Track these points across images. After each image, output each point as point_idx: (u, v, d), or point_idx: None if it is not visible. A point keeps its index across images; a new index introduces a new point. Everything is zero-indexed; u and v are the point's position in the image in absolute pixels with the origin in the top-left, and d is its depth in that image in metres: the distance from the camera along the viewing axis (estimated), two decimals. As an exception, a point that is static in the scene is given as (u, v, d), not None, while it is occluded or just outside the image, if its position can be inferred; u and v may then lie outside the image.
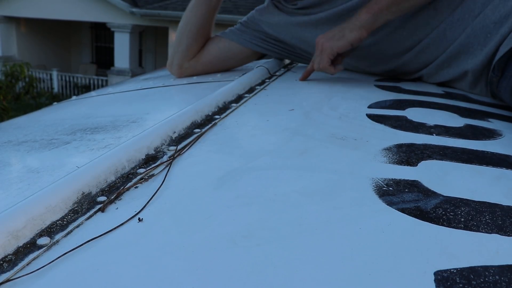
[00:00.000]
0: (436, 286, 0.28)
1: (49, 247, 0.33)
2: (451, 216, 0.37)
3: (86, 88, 10.95)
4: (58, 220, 0.37)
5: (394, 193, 0.41)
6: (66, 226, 0.36)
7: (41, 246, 0.33)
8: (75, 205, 0.39)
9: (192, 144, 0.54)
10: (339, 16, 1.00)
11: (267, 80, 0.96)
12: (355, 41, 0.90)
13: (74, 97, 1.22)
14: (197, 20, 1.09)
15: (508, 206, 0.39)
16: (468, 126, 0.64)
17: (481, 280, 0.29)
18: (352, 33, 0.90)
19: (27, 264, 0.31)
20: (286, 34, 1.09)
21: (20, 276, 0.30)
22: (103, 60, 13.07)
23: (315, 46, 1.09)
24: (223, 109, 0.71)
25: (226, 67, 1.16)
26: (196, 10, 1.09)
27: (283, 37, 1.10)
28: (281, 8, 1.09)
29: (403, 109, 0.72)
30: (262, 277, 0.29)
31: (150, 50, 12.88)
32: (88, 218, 0.37)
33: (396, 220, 0.36)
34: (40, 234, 0.35)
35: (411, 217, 0.37)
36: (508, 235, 0.34)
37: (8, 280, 0.30)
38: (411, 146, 0.54)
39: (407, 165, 0.48)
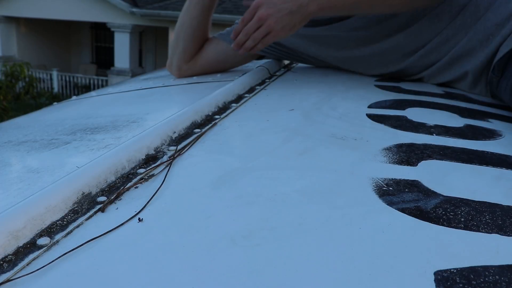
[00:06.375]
0: (436, 286, 0.28)
1: (49, 247, 0.33)
2: (451, 216, 0.37)
3: (86, 88, 10.96)
4: (58, 220, 0.37)
5: (394, 193, 0.41)
6: (66, 226, 0.36)
7: (41, 246, 0.33)
8: (75, 205, 0.39)
9: (192, 144, 0.54)
10: (333, 36, 1.00)
11: (267, 80, 0.96)
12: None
13: (74, 97, 1.21)
14: (192, 21, 1.09)
15: (508, 206, 0.39)
16: (468, 126, 0.64)
17: (481, 280, 0.29)
18: (298, 22, 0.82)
19: (27, 264, 0.31)
20: (284, 40, 1.09)
21: (20, 276, 0.30)
22: (103, 60, 13.07)
23: (315, 52, 1.08)
24: (223, 109, 0.71)
25: (225, 68, 1.16)
26: (190, 12, 1.09)
27: (282, 41, 1.10)
28: None
29: (403, 109, 0.72)
30: (262, 277, 0.29)
31: (150, 50, 12.88)
32: (88, 218, 0.37)
33: (396, 220, 0.36)
34: (40, 234, 0.35)
35: (411, 217, 0.37)
36: (508, 235, 0.34)
37: (8, 280, 0.30)
38: (411, 146, 0.54)
39: (407, 165, 0.48)
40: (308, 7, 0.82)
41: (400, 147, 0.53)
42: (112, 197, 0.40)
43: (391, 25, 0.94)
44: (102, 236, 0.34)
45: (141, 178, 0.45)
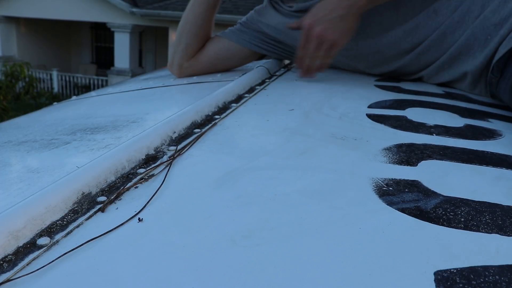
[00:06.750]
0: (436, 286, 0.28)
1: (49, 247, 0.33)
2: (451, 216, 0.37)
3: (86, 88, 10.96)
4: (58, 220, 0.37)
5: (394, 193, 0.41)
6: (66, 226, 0.36)
7: (41, 246, 0.33)
8: (75, 205, 0.39)
9: (192, 144, 0.54)
10: None
11: (267, 80, 0.96)
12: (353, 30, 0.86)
13: (74, 97, 1.21)
14: (196, 19, 1.09)
15: (508, 206, 0.39)
16: (468, 126, 0.64)
17: (481, 280, 0.29)
18: (353, 23, 0.83)
19: (27, 264, 0.31)
20: (285, 36, 1.09)
21: (20, 276, 0.30)
22: (103, 60, 13.08)
23: None
24: (223, 109, 0.71)
25: (226, 67, 1.16)
26: (194, 9, 1.09)
27: (282, 38, 1.10)
28: (279, 9, 1.09)
29: (403, 109, 0.72)
30: (262, 277, 0.29)
31: (150, 50, 12.89)
32: (88, 218, 0.37)
33: (396, 220, 0.36)
34: (40, 234, 0.35)
35: (411, 217, 0.37)
36: (508, 235, 0.34)
37: (8, 280, 0.30)
38: (411, 146, 0.54)
39: (407, 165, 0.48)
40: (357, 3, 0.82)
41: (400, 147, 0.53)
42: (112, 197, 0.40)
43: (387, 20, 0.94)
44: (102, 236, 0.34)
45: (141, 178, 0.45)
